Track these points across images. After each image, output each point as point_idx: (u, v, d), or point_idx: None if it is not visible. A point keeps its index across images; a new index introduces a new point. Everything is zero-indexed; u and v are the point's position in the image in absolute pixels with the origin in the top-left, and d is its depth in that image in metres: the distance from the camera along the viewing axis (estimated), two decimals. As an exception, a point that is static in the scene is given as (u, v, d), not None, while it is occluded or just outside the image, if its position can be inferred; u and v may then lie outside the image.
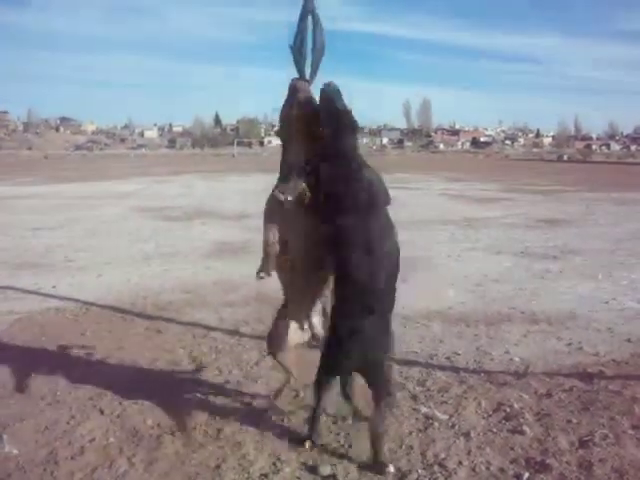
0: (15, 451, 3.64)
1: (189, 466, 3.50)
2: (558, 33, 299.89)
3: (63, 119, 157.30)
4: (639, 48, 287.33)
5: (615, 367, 5.11)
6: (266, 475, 3.40)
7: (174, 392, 4.52)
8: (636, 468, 3.42)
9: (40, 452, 3.65)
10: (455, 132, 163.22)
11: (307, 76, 3.86)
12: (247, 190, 23.69)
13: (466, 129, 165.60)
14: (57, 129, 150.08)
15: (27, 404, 4.32)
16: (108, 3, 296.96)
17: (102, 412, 4.20)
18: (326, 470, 3.43)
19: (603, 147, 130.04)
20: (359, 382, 3.72)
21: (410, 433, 3.88)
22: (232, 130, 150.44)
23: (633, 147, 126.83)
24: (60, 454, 3.62)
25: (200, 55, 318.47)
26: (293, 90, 3.77)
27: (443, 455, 3.60)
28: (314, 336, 4.05)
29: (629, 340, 5.81)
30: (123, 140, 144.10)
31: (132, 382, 4.73)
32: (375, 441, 3.47)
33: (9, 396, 4.47)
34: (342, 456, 3.61)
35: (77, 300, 7.24)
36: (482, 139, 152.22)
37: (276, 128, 3.77)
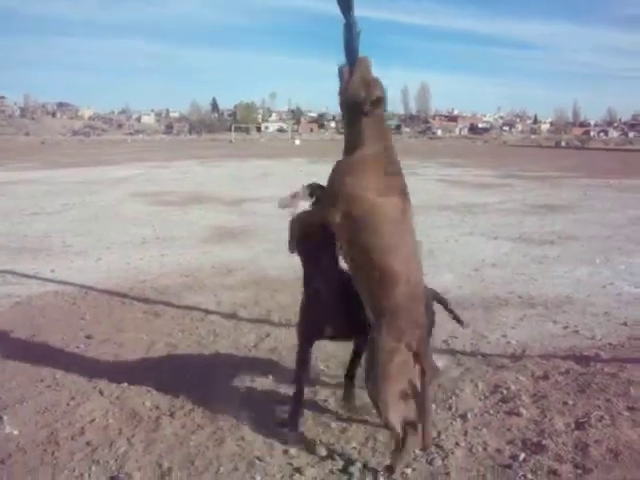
0: (15, 432, 3.67)
1: (187, 447, 3.53)
2: (557, 19, 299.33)
3: (60, 104, 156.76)
4: (638, 34, 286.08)
5: (611, 350, 5.14)
6: (263, 457, 3.43)
7: (172, 374, 4.55)
8: (631, 449, 3.45)
9: (40, 433, 3.68)
10: (453, 118, 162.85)
11: None
12: (244, 175, 23.69)
13: (464, 115, 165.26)
14: (54, 114, 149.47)
15: (27, 386, 4.34)
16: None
17: (102, 394, 4.22)
18: (322, 451, 3.46)
19: (601, 134, 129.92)
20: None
21: (407, 414, 3.90)
22: (229, 115, 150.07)
23: (631, 134, 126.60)
24: (60, 435, 3.65)
25: (198, 40, 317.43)
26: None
27: (440, 436, 3.63)
28: None
29: (625, 324, 5.84)
30: (120, 126, 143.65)
31: (131, 365, 4.76)
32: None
33: (9, 379, 4.48)
34: (339, 437, 3.64)
35: (76, 284, 7.25)
36: (480, 125, 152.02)
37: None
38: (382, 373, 3.14)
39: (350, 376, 3.99)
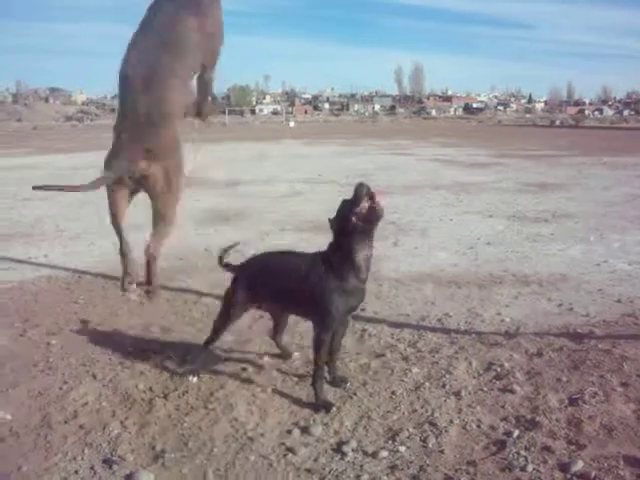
0: (8, 416, 3.66)
1: (181, 429, 3.53)
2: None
3: (53, 90, 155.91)
4: (632, 12, 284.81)
5: (605, 327, 5.14)
6: (256, 438, 3.43)
7: (166, 357, 4.53)
8: (624, 424, 3.46)
9: (34, 417, 3.67)
10: (448, 98, 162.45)
11: None
12: (239, 158, 23.62)
13: (458, 95, 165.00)
14: (46, 100, 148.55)
15: (20, 371, 4.33)
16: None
17: (95, 377, 4.21)
18: (317, 430, 3.46)
19: (596, 112, 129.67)
20: None
21: (401, 393, 3.90)
22: (223, 98, 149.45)
23: (626, 112, 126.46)
24: (53, 418, 3.64)
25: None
26: None
27: (434, 414, 3.63)
28: None
29: (619, 301, 5.85)
30: (113, 110, 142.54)
31: (124, 348, 4.73)
32: None
33: (2, 364, 4.46)
34: (332, 417, 3.64)
35: (69, 269, 7.23)
36: (475, 105, 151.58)
37: None
38: None
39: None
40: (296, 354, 4.56)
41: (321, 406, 3.74)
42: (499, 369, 4.23)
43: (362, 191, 3.61)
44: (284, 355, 4.52)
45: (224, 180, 16.03)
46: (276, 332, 4.50)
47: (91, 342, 4.89)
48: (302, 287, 3.80)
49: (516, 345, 4.69)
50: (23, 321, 5.40)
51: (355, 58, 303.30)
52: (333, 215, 3.74)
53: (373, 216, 3.62)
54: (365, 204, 3.59)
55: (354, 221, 3.60)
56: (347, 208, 3.63)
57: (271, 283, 4.00)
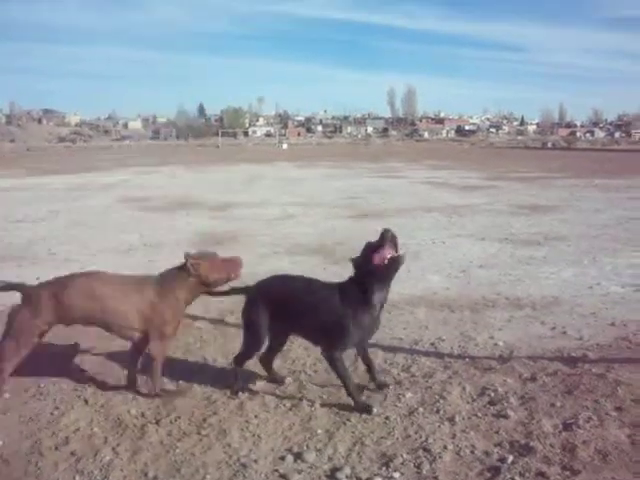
0: (-1, 443, 3.62)
1: (174, 455, 3.49)
2: (543, 21, 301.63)
3: (46, 111, 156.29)
4: (622, 36, 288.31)
5: (599, 351, 5.14)
6: (249, 464, 3.40)
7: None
8: (619, 450, 3.44)
9: (24, 443, 3.63)
10: (440, 120, 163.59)
11: None
12: (232, 180, 23.67)
13: (451, 117, 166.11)
14: (40, 121, 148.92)
15: (11, 396, 4.28)
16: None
17: (86, 402, 4.18)
18: (311, 456, 3.44)
19: (587, 134, 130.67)
20: None
21: (395, 418, 3.88)
22: (216, 121, 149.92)
23: (617, 134, 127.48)
24: (44, 445, 3.61)
25: (184, 46, 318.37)
26: None
27: (428, 440, 3.61)
28: None
29: (613, 324, 5.85)
30: (107, 132, 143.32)
31: (116, 372, 4.70)
32: None
33: (-8, 388, 4.42)
34: (326, 443, 3.61)
35: (61, 292, 7.18)
36: (467, 127, 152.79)
37: None
38: None
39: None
40: (289, 379, 4.54)
41: (362, 409, 3.96)
42: (493, 394, 4.22)
43: (387, 237, 3.80)
44: (276, 380, 4.51)
45: (217, 202, 16.03)
46: (268, 358, 4.53)
47: (82, 367, 4.85)
48: (319, 315, 4.01)
49: (510, 369, 4.68)
50: (14, 345, 5.35)
51: (348, 80, 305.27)
52: (356, 255, 3.98)
53: (394, 266, 3.83)
54: (388, 253, 3.77)
55: (375, 268, 3.80)
56: (370, 252, 3.77)
57: (290, 307, 4.16)
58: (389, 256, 3.78)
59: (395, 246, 3.82)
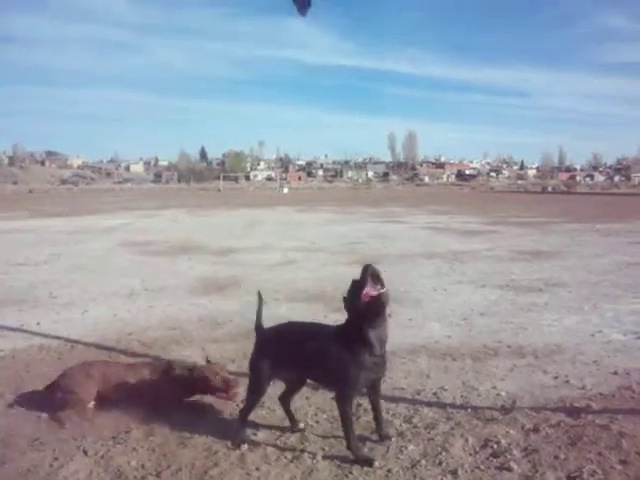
0: (-4, 495, 3.58)
1: (174, 508, 3.45)
2: (543, 66, 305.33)
3: (49, 153, 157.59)
4: (621, 81, 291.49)
5: (602, 401, 5.09)
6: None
7: (160, 432, 4.47)
8: (624, 504, 3.40)
9: (22, 496, 3.59)
10: (440, 165, 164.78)
11: None
12: (233, 225, 23.73)
13: (451, 162, 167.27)
14: (42, 163, 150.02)
15: (8, 446, 4.24)
16: (93, 38, 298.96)
17: (86, 453, 4.14)
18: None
19: (587, 178, 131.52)
20: None
21: (397, 471, 3.84)
22: (218, 164, 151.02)
23: (616, 178, 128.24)
24: (43, 497, 3.56)
25: (184, 90, 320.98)
26: None
27: (431, 494, 3.57)
28: None
29: (615, 373, 5.81)
30: (109, 174, 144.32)
31: (116, 422, 4.67)
32: None
33: (-10, 438, 4.39)
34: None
35: (62, 338, 7.16)
36: (467, 171, 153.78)
37: None
38: None
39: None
40: (302, 424, 4.53)
41: (363, 462, 3.92)
42: (496, 446, 4.18)
43: (367, 275, 3.78)
44: (291, 423, 4.51)
45: (219, 247, 16.06)
46: (286, 397, 4.58)
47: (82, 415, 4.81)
48: (321, 359, 4.01)
49: (512, 420, 4.64)
50: (14, 392, 5.33)
51: (349, 125, 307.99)
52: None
53: (378, 303, 3.80)
54: (371, 291, 3.76)
55: (362, 304, 3.77)
56: (356, 289, 3.78)
57: (296, 353, 4.17)
58: (373, 293, 3.76)
59: (379, 282, 3.79)
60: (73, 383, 4.84)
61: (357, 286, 3.83)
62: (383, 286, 3.80)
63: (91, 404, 4.80)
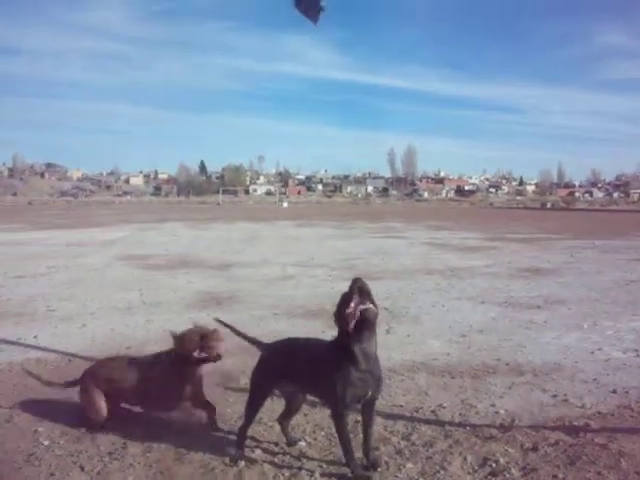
0: (-10, 512, 3.55)
1: (170, 525, 3.43)
2: (543, 83, 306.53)
3: (49, 165, 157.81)
4: (620, 97, 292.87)
5: (601, 419, 5.07)
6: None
7: (157, 448, 4.44)
8: (624, 525, 3.38)
9: (17, 512, 3.57)
10: (440, 180, 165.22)
11: None
12: (232, 239, 23.73)
13: (451, 177, 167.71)
14: (42, 175, 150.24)
15: (3, 462, 4.21)
16: (94, 52, 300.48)
17: (82, 469, 4.11)
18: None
19: (586, 194, 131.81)
20: None
21: (395, 490, 3.82)
22: (217, 178, 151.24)
23: (615, 194, 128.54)
24: (38, 514, 3.54)
25: (184, 103, 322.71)
26: None
27: (429, 513, 3.55)
28: None
29: (615, 391, 5.79)
30: (109, 187, 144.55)
31: (113, 437, 4.64)
32: None
33: (-15, 453, 4.36)
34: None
35: (59, 351, 7.14)
36: (466, 187, 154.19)
37: None
38: None
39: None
40: (302, 443, 4.50)
41: None
42: (494, 465, 4.15)
43: (354, 289, 3.74)
44: (288, 442, 4.48)
45: (218, 261, 16.06)
46: (285, 417, 4.55)
47: (78, 431, 4.79)
48: (313, 374, 4.02)
49: (511, 439, 4.62)
50: (10, 406, 5.30)
51: (349, 140, 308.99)
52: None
53: (365, 319, 3.74)
54: (357, 306, 3.70)
55: (348, 319, 3.71)
56: (343, 304, 3.73)
57: (293, 368, 4.16)
58: (360, 308, 3.71)
59: (367, 296, 3.74)
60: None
61: (344, 301, 3.78)
62: (372, 302, 3.76)
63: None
